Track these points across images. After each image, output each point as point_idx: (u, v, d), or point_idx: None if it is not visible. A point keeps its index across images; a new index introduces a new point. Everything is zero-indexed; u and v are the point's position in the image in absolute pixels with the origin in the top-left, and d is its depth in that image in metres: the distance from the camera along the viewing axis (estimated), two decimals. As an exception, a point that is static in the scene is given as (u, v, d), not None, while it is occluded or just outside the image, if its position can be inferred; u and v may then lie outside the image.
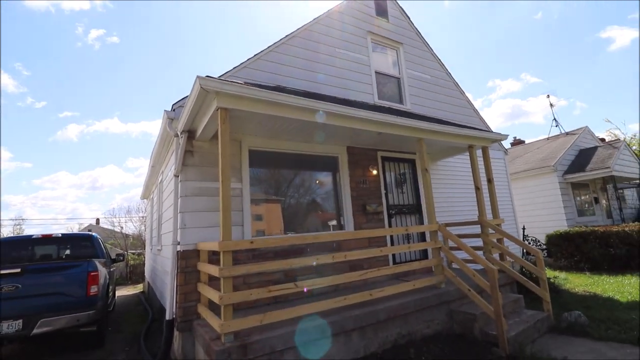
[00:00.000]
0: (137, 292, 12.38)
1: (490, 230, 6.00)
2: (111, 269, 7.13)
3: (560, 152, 12.82)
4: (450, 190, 7.72)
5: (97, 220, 32.40)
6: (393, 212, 6.50)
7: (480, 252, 6.07)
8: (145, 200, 16.77)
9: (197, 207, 4.51)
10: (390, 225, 6.34)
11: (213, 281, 4.25)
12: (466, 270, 4.66)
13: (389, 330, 4.22)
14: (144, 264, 17.64)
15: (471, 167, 6.25)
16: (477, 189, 6.13)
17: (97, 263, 5.25)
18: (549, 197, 11.96)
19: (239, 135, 5.03)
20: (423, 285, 4.76)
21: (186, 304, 4.19)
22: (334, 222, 5.96)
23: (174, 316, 4.25)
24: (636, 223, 8.86)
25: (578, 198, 12.71)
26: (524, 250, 8.46)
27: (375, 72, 7.12)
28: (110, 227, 27.11)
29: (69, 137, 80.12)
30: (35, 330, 4.34)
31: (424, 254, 6.79)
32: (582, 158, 12.84)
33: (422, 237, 6.84)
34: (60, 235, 6.52)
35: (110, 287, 6.84)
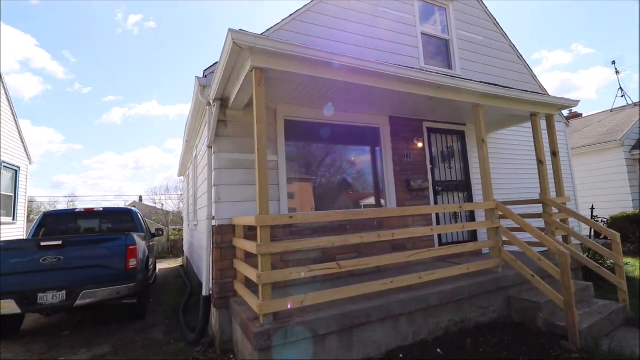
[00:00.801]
0: (177, 265, 12.82)
1: (554, 210, 5.29)
2: (151, 243, 7.24)
3: (628, 125, 11.31)
4: (500, 167, 6.94)
5: (140, 197, 34.20)
6: (439, 188, 5.93)
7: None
8: (182, 177, 17.25)
9: (231, 180, 4.25)
10: (436, 203, 5.79)
11: (249, 258, 4.02)
12: (530, 254, 4.08)
13: (440, 317, 3.81)
14: (183, 239, 18.40)
15: (534, 138, 5.49)
16: (541, 162, 5.38)
17: (136, 237, 5.23)
18: (613, 175, 10.67)
19: (274, 103, 4.65)
20: (478, 269, 4.25)
21: (222, 281, 4.01)
22: (371, 201, 5.51)
23: (211, 292, 4.10)
24: None
25: (647, 177, 11.25)
26: (591, 233, 7.57)
27: (422, 33, 6.37)
28: (152, 204, 28.53)
29: (113, 120, 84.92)
30: (78, 302, 4.39)
31: (472, 235, 6.21)
32: (655, 131, 11.26)
33: (470, 217, 6.24)
34: (101, 209, 6.64)
35: (151, 260, 6.95)
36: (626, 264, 7.24)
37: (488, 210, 4.50)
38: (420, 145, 5.77)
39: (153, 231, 8.26)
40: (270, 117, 4.63)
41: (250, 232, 4.20)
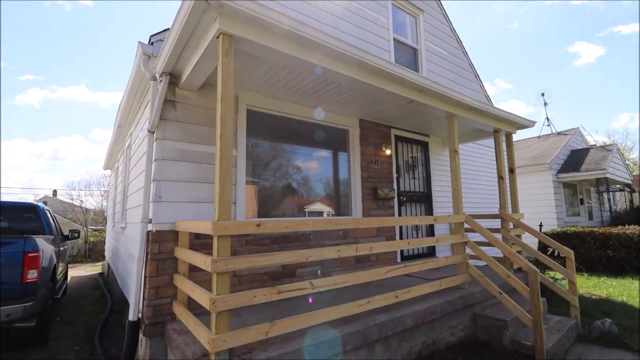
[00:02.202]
0: (96, 273, 11.00)
1: (511, 225, 5.37)
2: (62, 248, 5.89)
3: (555, 150, 12.58)
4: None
5: (55, 192, 29.73)
6: (404, 199, 5.70)
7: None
8: (108, 171, 15.11)
9: (177, 175, 3.45)
10: (400, 214, 5.55)
11: (195, 272, 3.26)
12: (499, 270, 3.95)
13: (414, 340, 3.44)
14: (104, 241, 16.11)
15: (496, 154, 5.55)
16: (501, 178, 5.43)
17: (40, 241, 4.08)
18: (541, 195, 11.71)
19: (235, 88, 3.96)
20: (449, 286, 4.01)
21: (157, 301, 3.17)
22: (331, 209, 5.04)
23: (140, 316, 3.23)
24: (636, 226, 8.66)
25: (566, 198, 12.60)
26: (538, 248, 8.00)
27: (394, 39, 6.18)
28: (69, 201, 24.81)
29: (30, 102, 73.76)
30: (-57, 328, 3.17)
31: (429, 250, 6.10)
32: (575, 158, 12.68)
33: (430, 230, 6.11)
34: (-5, 203, 5.19)
35: (60, 269, 5.62)
36: (563, 278, 7.77)
37: (457, 224, 4.31)
38: (388, 152, 5.49)
39: (66, 233, 6.82)
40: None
41: (197, 241, 3.44)
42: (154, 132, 3.41)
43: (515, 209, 5.63)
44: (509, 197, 5.58)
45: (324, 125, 4.90)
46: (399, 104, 4.49)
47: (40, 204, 5.61)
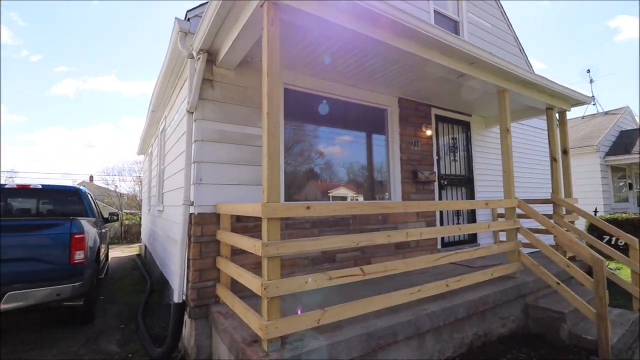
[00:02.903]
0: (133, 254, 11.45)
1: (564, 211, 4.96)
2: (103, 230, 6.06)
3: (602, 131, 11.64)
4: (498, 163, 6.54)
5: (91, 177, 31.21)
6: (445, 182, 5.39)
7: (550, 237, 5.08)
8: (139, 158, 15.54)
9: (217, 156, 3.35)
10: (440, 198, 5.26)
11: (237, 255, 3.19)
12: (558, 260, 3.64)
13: (465, 331, 3.24)
14: (139, 224, 16.79)
15: (548, 134, 5.10)
16: (554, 160, 5.01)
17: (85, 223, 4.15)
18: (587, 179, 10.93)
19: (273, 66, 3.78)
20: (500, 275, 3.75)
21: (201, 284, 3.14)
22: (356, 194, 4.81)
23: (185, 298, 3.22)
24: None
25: (613, 182, 11.71)
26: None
27: (434, 10, 5.75)
28: (104, 186, 25.99)
29: (65, 92, 77.53)
30: (2, 306, 3.30)
31: (471, 236, 5.79)
32: (626, 139, 11.68)
33: (471, 216, 5.79)
34: (40, 186, 5.36)
35: (102, 250, 5.80)
36: (616, 268, 7.25)
37: (509, 208, 4.00)
38: (429, 133, 5.17)
39: (106, 215, 7.03)
40: (268, 83, 3.75)
41: (238, 224, 3.36)
42: (193, 113, 3.31)
43: (568, 193, 5.20)
44: (561, 181, 5.15)
45: (361, 104, 4.65)
46: (444, 79, 4.16)
47: (82, 187, 5.76)
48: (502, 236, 5.98)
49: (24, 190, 5.36)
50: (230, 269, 2.74)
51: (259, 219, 3.32)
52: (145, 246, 8.92)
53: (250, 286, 2.29)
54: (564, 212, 4.98)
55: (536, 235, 4.00)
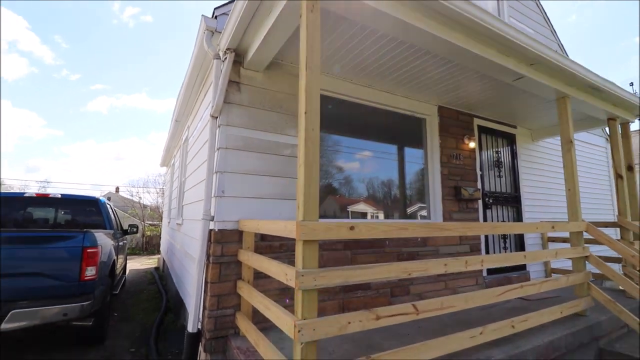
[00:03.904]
0: (152, 267, 11.27)
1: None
2: (121, 243, 5.82)
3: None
4: (547, 181, 5.92)
5: (117, 188, 32.03)
6: (490, 200, 4.83)
7: (617, 266, 4.40)
8: (163, 170, 15.65)
9: (241, 166, 3.00)
10: (485, 218, 4.69)
11: (259, 280, 2.78)
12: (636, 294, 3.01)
13: (533, 384, 2.65)
14: (159, 236, 16.78)
15: (612, 147, 4.49)
16: (620, 177, 4.37)
17: (100, 235, 3.87)
18: None
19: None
20: (569, 313, 3.14)
21: (219, 312, 2.73)
22: (410, 210, 4.31)
23: (200, 328, 2.81)
24: None
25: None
26: None
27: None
28: (129, 197, 26.53)
29: (99, 109, 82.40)
30: (4, 325, 3.00)
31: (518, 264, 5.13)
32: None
33: (519, 241, 5.15)
34: (59, 196, 5.20)
35: (119, 262, 5.54)
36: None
37: (574, 233, 3.41)
38: (472, 145, 4.66)
39: (126, 227, 6.82)
40: (295, 86, 3.41)
41: (262, 243, 2.96)
42: (217, 117, 2.99)
43: (635, 215, 4.51)
44: (627, 201, 4.48)
45: (396, 112, 4.23)
46: (494, 83, 3.71)
47: (101, 197, 5.57)
48: (553, 263, 5.29)
49: (43, 200, 5.22)
50: (255, 299, 2.31)
51: (286, 238, 2.92)
52: (164, 259, 8.68)
53: (279, 324, 1.85)
54: (632, 238, 4.30)
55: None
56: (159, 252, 16.16)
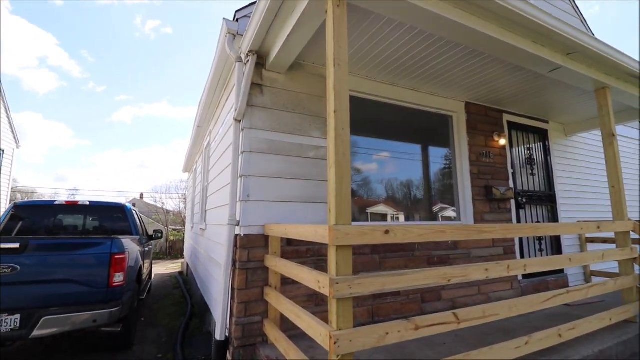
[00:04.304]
0: (176, 271, 11.45)
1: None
2: (147, 248, 5.90)
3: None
4: (582, 178, 5.57)
5: (141, 195, 33.03)
6: (523, 200, 4.58)
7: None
8: (185, 176, 15.94)
9: (265, 170, 2.94)
10: (518, 219, 4.45)
11: (287, 285, 2.70)
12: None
13: (584, 398, 2.44)
14: (183, 240, 17.11)
15: (657, 139, 4.17)
16: (668, 172, 4.05)
17: (127, 241, 3.91)
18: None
19: (324, 67, 3.37)
20: (618, 320, 2.89)
21: (247, 319, 2.67)
22: (434, 211, 4.15)
23: (228, 335, 2.76)
24: None
25: None
26: None
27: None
28: (153, 203, 27.27)
29: (123, 119, 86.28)
30: (36, 332, 3.05)
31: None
32: None
33: (556, 243, 4.87)
34: (87, 203, 5.33)
35: (145, 268, 5.62)
36: None
37: (621, 233, 3.15)
38: (502, 142, 4.45)
39: (151, 232, 6.93)
40: (320, 87, 3.34)
41: (289, 247, 2.88)
42: (240, 121, 2.95)
43: (686, 214, 4.17)
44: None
45: (421, 111, 4.08)
46: (526, 76, 3.51)
47: (127, 204, 5.68)
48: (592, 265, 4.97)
49: (72, 207, 5.35)
50: (284, 306, 2.23)
51: (313, 243, 2.83)
52: (187, 264, 8.79)
53: (313, 334, 1.76)
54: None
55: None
56: (182, 256, 16.47)
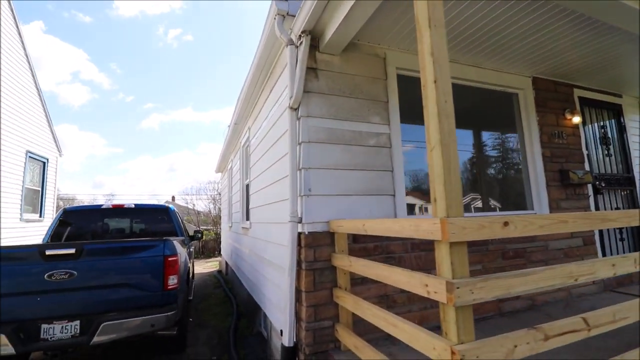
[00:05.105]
0: (213, 270, 11.55)
1: None
2: (190, 249, 5.86)
3: None
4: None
5: (173, 197, 33.98)
6: (602, 184, 4.08)
7: None
8: (213, 179, 16.10)
9: (325, 161, 2.69)
10: (597, 205, 3.97)
11: (356, 287, 2.45)
12: None
13: None
14: (214, 240, 17.41)
15: None
16: None
17: (176, 243, 3.81)
18: None
19: (382, 46, 3.08)
20: None
21: (317, 324, 2.44)
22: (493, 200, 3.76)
23: (296, 341, 2.54)
24: None
25: None
26: None
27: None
28: (184, 204, 28.00)
29: (151, 125, 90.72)
30: (96, 338, 2.97)
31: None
32: None
33: (637, 230, 4.33)
34: (133, 206, 5.32)
35: (190, 271, 5.57)
36: None
37: None
38: (575, 120, 3.97)
39: (191, 233, 6.92)
40: (377, 68, 3.04)
41: (355, 245, 2.62)
42: (296, 109, 2.71)
43: None
44: None
45: (487, 89, 3.68)
46: (598, 45, 3.10)
47: (171, 205, 5.63)
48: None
49: (119, 210, 5.37)
50: (367, 312, 1.97)
51: (380, 239, 2.56)
52: (227, 263, 8.76)
53: (420, 347, 1.49)
54: None
55: None
56: (214, 255, 16.72)
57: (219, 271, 10.65)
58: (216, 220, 20.53)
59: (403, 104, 3.09)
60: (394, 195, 2.87)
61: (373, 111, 2.93)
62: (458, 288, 1.31)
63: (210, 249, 18.21)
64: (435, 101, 1.49)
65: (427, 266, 2.82)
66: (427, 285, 1.45)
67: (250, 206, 5.09)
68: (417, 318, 2.72)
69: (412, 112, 3.21)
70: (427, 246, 2.89)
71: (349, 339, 2.23)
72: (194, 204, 26.56)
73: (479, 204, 3.84)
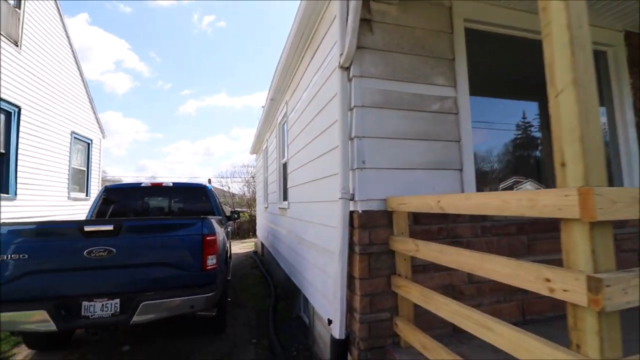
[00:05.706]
0: (249, 250, 11.67)
1: None
2: (228, 229, 5.76)
3: None
4: None
5: (209, 180, 35.00)
6: None
7: None
8: (247, 161, 16.15)
9: (382, 128, 2.31)
10: (703, 186, 3.28)
11: (417, 274, 2.09)
12: None
13: None
14: (248, 221, 17.72)
15: None
16: None
17: (214, 222, 3.63)
18: None
19: (449, -7, 2.58)
20: None
21: (373, 316, 2.13)
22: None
23: (349, 334, 2.25)
24: None
25: None
26: None
27: None
28: (219, 187, 28.76)
29: (188, 111, 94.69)
30: (136, 318, 2.87)
31: None
32: None
33: None
34: (171, 184, 5.25)
35: (228, 251, 5.49)
36: None
37: None
38: (681, 81, 3.25)
39: (228, 213, 6.85)
40: (442, 19, 2.56)
41: (417, 227, 2.25)
42: (348, 68, 2.33)
43: None
44: None
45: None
46: None
47: (208, 185, 5.52)
48: None
49: (157, 188, 5.33)
50: (444, 308, 1.61)
51: (446, 221, 2.18)
52: (263, 245, 8.71)
53: (532, 358, 1.12)
54: None
55: None
56: (249, 236, 17.00)
57: (255, 252, 10.72)
58: (250, 203, 20.85)
59: (473, 61, 2.61)
60: (461, 170, 2.44)
61: (436, 70, 2.48)
62: (608, 286, 0.91)
63: (245, 230, 18.56)
64: (565, 25, 1.06)
65: (500, 254, 2.40)
66: (548, 281, 1.07)
67: (288, 185, 4.83)
68: (488, 312, 2.32)
69: (475, 79, 2.70)
70: (502, 230, 2.45)
71: (412, 335, 1.90)
72: (229, 187, 27.20)
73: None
